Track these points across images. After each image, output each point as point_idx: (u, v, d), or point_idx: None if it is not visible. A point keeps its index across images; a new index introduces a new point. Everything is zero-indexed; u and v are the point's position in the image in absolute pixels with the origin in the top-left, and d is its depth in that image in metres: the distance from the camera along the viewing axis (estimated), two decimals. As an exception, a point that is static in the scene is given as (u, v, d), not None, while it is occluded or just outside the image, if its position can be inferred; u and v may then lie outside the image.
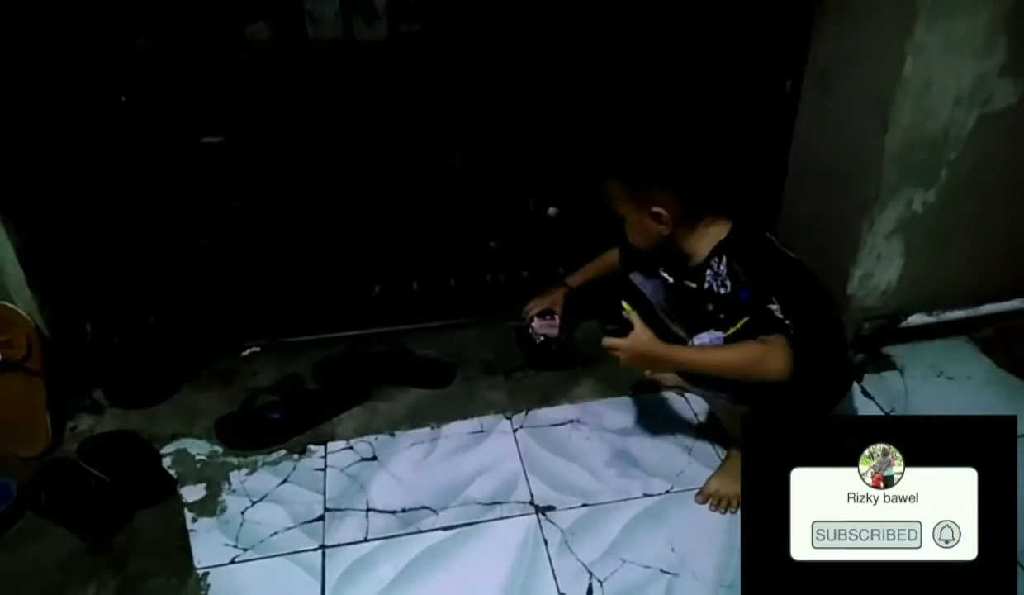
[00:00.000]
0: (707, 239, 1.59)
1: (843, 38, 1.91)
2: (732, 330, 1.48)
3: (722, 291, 1.52)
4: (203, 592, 1.52)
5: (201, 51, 1.79)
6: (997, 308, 2.13)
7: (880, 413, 1.93)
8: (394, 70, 1.89)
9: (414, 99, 1.93)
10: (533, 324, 2.02)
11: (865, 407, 1.94)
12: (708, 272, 1.57)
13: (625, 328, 1.50)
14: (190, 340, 2.09)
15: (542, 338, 2.01)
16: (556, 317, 2.01)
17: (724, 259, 1.54)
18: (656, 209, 1.56)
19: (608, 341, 1.51)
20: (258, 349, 2.17)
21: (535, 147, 2.07)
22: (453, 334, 2.23)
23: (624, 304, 1.53)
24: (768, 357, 1.39)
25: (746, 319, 1.46)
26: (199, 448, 1.85)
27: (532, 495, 1.72)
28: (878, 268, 2.01)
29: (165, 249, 2.01)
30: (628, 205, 1.61)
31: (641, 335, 1.49)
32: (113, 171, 1.88)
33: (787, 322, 1.42)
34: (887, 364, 2.09)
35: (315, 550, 1.60)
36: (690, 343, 1.56)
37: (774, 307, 1.43)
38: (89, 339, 2.01)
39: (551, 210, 2.16)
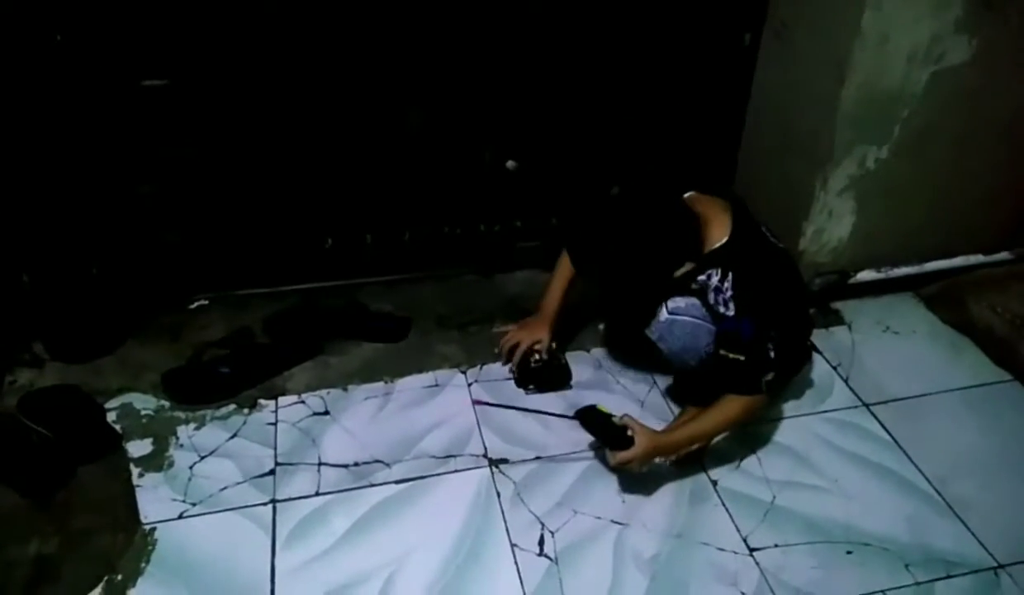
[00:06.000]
0: (713, 224, 1.59)
1: (802, -9, 1.90)
2: (724, 353, 1.54)
3: (722, 309, 1.55)
4: (150, 547, 1.49)
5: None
6: (942, 265, 2.18)
7: (828, 366, 1.97)
8: (349, 11, 1.82)
9: (371, 43, 1.87)
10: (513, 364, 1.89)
11: (813, 361, 1.97)
12: (702, 277, 1.59)
13: (619, 437, 1.54)
14: (135, 292, 2.03)
15: (536, 358, 1.87)
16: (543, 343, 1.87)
17: (730, 277, 1.54)
18: (682, 272, 1.59)
19: (619, 457, 1.53)
20: (207, 302, 2.12)
21: (494, 99, 2.02)
22: (408, 288, 2.20)
23: (602, 409, 1.59)
24: (751, 411, 1.59)
25: (742, 358, 1.53)
26: (145, 403, 1.81)
27: (486, 448, 1.72)
28: (830, 224, 2.03)
29: (107, 197, 1.93)
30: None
31: (644, 439, 1.53)
32: (49, 115, 1.79)
33: (773, 366, 1.55)
34: (835, 319, 2.13)
35: (266, 504, 1.59)
36: (663, 307, 1.60)
37: (771, 346, 1.54)
38: (27, 290, 1.93)
39: (509, 164, 2.13)
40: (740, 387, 1.56)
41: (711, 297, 1.57)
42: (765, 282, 1.57)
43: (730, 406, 1.56)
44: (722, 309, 1.55)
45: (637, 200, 1.66)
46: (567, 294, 1.87)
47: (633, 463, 1.54)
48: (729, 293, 1.54)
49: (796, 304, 1.69)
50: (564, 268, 1.86)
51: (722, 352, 1.55)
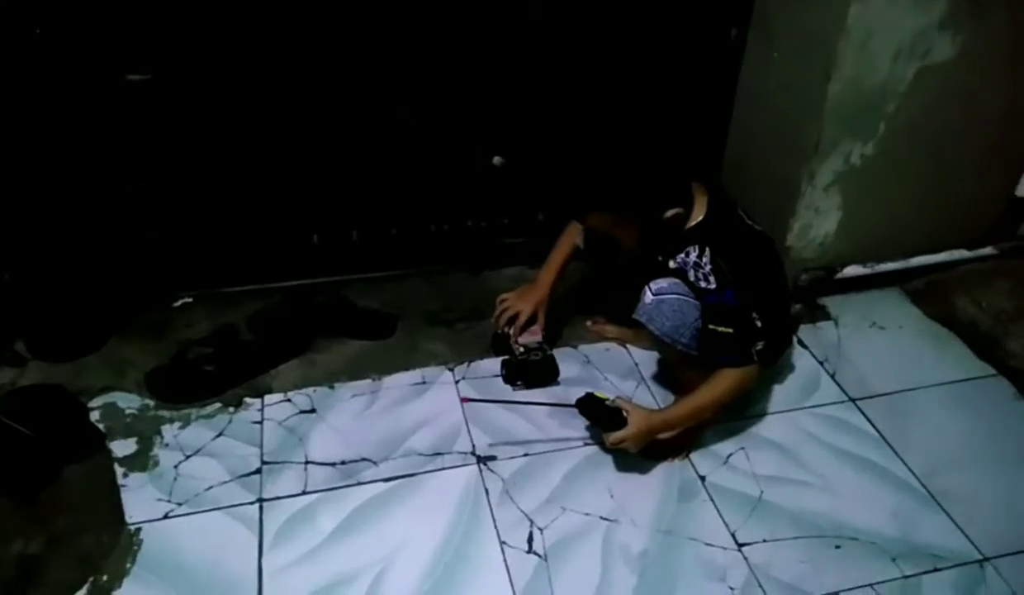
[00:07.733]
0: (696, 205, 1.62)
1: (789, -13, 1.90)
2: (712, 328, 1.56)
3: (703, 284, 1.57)
4: (136, 548, 1.48)
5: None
6: (928, 260, 2.19)
7: (815, 362, 1.98)
8: (336, 5, 1.80)
9: (358, 38, 1.86)
10: (514, 333, 1.88)
11: (800, 356, 1.99)
12: (682, 256, 1.60)
13: (612, 418, 1.56)
14: (118, 290, 2.00)
15: (522, 350, 1.88)
16: (538, 325, 1.87)
17: (708, 252, 1.56)
18: (671, 212, 1.57)
19: (612, 437, 1.56)
20: (191, 299, 2.09)
21: (481, 95, 2.01)
22: (395, 285, 2.19)
23: (598, 395, 1.60)
24: (744, 383, 1.60)
25: (731, 331, 1.54)
26: (129, 401, 1.79)
27: (474, 446, 1.72)
28: (816, 220, 2.04)
29: (90, 193, 1.91)
30: (634, 226, 1.61)
31: (637, 419, 1.55)
32: (30, 111, 1.76)
33: (762, 335, 1.59)
34: (822, 314, 2.14)
35: (252, 503, 1.57)
36: (647, 290, 1.61)
37: (755, 316, 1.58)
38: (8, 287, 1.91)
39: (496, 160, 2.12)
40: (732, 359, 1.57)
41: (691, 274, 1.60)
42: (741, 254, 1.60)
43: (724, 379, 1.58)
44: (703, 284, 1.57)
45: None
46: (566, 265, 1.89)
47: (627, 442, 1.56)
48: (708, 267, 1.56)
49: (773, 276, 1.72)
50: (566, 239, 1.87)
51: (710, 327, 1.57)
